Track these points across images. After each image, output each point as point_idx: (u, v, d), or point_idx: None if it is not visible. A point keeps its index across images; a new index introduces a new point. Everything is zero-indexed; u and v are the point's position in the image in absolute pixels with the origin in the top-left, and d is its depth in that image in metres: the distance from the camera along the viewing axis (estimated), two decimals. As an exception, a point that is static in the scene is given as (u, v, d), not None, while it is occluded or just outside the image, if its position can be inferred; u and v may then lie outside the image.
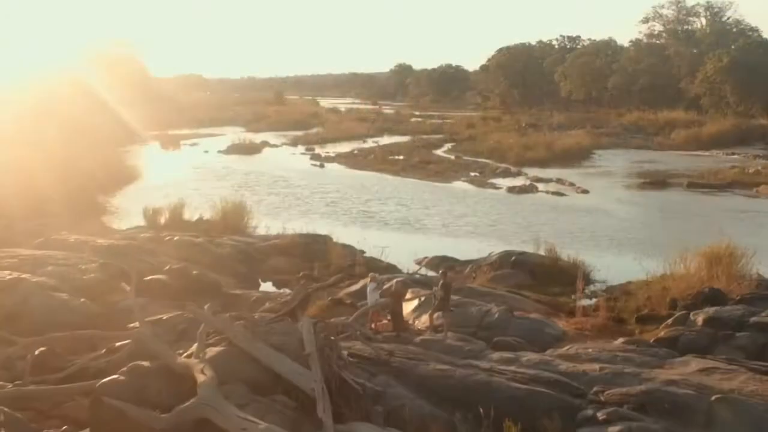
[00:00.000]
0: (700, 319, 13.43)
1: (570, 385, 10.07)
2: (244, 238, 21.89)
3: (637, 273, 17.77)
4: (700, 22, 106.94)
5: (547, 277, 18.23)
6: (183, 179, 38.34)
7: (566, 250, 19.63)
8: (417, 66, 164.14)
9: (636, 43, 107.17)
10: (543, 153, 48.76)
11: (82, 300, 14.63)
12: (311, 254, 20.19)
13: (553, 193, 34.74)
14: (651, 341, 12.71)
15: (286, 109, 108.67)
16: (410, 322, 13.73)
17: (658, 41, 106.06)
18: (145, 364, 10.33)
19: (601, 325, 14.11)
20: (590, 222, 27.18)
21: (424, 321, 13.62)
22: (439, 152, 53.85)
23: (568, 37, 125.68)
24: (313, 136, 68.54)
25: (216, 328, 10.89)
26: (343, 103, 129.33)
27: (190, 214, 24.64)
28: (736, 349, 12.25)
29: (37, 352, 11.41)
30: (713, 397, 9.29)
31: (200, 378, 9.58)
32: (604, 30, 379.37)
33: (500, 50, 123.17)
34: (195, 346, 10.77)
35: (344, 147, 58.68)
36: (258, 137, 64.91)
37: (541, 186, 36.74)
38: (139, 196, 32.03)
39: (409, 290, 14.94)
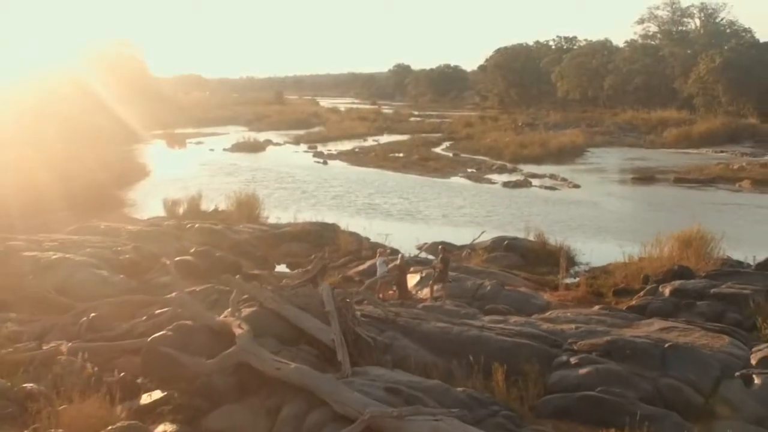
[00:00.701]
0: (667, 291, 15.27)
1: (548, 338, 11.91)
2: (258, 226, 23.76)
3: (618, 256, 19.59)
4: (694, 23, 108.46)
5: (535, 260, 20.08)
6: (193, 175, 40.06)
7: (555, 237, 21.42)
8: (416, 66, 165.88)
9: (631, 43, 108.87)
10: (538, 150, 50.61)
11: (121, 276, 16.46)
12: (321, 240, 21.98)
13: (546, 187, 36.59)
14: (623, 309, 14.57)
15: (287, 108, 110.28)
16: (413, 293, 15.58)
17: (653, 42, 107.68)
18: (188, 322, 12.15)
19: (581, 297, 15.96)
20: (579, 213, 29.01)
21: (425, 293, 15.47)
22: (438, 150, 55.63)
23: (565, 37, 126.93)
24: (314, 135, 70.28)
25: (248, 294, 12.71)
26: (342, 103, 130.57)
27: (206, 205, 26.50)
28: (697, 314, 14.07)
29: (90, 316, 13.24)
30: (666, 345, 11.13)
31: (238, 331, 11.38)
32: (600, 31, 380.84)
33: (498, 50, 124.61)
34: (228, 310, 12.60)
35: (345, 145, 60.43)
36: (261, 136, 66.50)
37: (535, 181, 38.59)
38: (154, 190, 33.85)
39: (412, 268, 16.79)
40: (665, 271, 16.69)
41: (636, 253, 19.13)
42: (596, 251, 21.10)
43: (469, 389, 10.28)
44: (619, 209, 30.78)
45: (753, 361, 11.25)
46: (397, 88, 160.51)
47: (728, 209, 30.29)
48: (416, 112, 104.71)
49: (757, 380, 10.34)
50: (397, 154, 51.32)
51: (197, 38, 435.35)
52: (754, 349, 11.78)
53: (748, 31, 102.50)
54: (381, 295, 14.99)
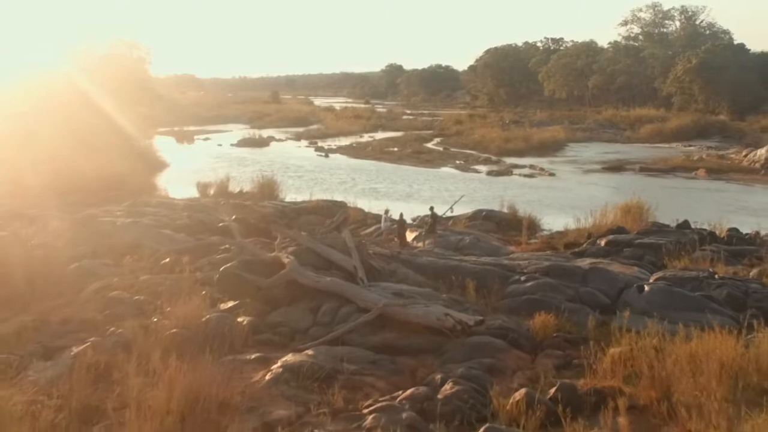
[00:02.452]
0: (603, 242, 20.00)
1: (507, 266, 16.60)
2: (279, 203, 28.41)
3: (574, 224, 24.32)
4: (674, 25, 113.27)
5: (507, 226, 24.80)
6: (209, 166, 44.56)
7: (524, 210, 26.12)
8: (408, 66, 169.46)
9: (614, 44, 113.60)
10: (521, 145, 55.45)
11: (181, 234, 21.03)
12: (333, 213, 26.53)
13: (525, 175, 41.42)
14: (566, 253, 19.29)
15: (284, 107, 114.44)
16: (410, 243, 20.27)
17: (635, 43, 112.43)
18: (248, 257, 16.77)
19: (538, 249, 20.64)
20: (550, 195, 33.81)
21: (419, 245, 20.13)
22: (430, 145, 60.36)
23: (552, 38, 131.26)
24: (314, 132, 74.79)
25: (291, 238, 17.35)
26: (336, 102, 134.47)
27: (232, 187, 31.12)
28: (622, 257, 18.74)
29: (172, 257, 17.83)
30: (587, 267, 15.84)
31: (286, 261, 16.01)
32: (587, 31, 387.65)
33: (488, 51, 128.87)
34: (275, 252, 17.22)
35: (343, 141, 65.07)
36: (263, 133, 70.97)
37: (516, 171, 43.39)
38: (178, 178, 38.38)
39: (409, 228, 21.49)
40: (606, 230, 21.40)
41: (588, 220, 23.85)
42: (558, 221, 25.85)
43: (449, 295, 14.95)
44: (585, 192, 35.55)
45: (651, 281, 15.94)
46: (389, 87, 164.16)
47: (679, 192, 35.13)
48: (409, 111, 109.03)
49: (647, 288, 15.02)
50: (392, 149, 56.02)
51: (191, 38, 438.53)
52: (654, 275, 16.48)
53: (726, 32, 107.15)
54: (385, 245, 19.64)
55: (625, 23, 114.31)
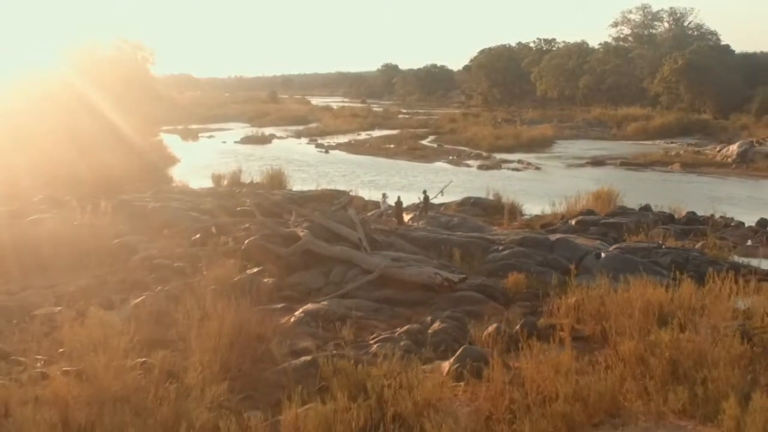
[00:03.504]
0: (573, 222, 23.03)
1: (488, 239, 19.61)
2: (288, 191, 31.37)
3: (550, 209, 27.32)
4: (663, 27, 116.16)
5: (493, 211, 27.80)
6: (217, 161, 47.47)
7: (508, 198, 29.12)
8: (403, 66, 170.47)
9: (605, 45, 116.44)
10: (511, 142, 58.51)
11: (206, 216, 23.99)
12: (337, 200, 29.54)
13: (513, 169, 44.48)
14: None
15: (283, 107, 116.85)
16: (406, 222, 23.28)
17: (625, 44, 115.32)
18: (268, 232, 19.73)
19: (517, 227, 23.65)
20: (533, 186, 36.86)
21: (414, 224, 23.12)
22: (424, 142, 63.32)
23: (545, 39, 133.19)
24: (313, 130, 77.43)
25: (304, 216, 20.32)
26: (332, 102, 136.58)
27: (244, 178, 34.10)
28: (588, 234, 21.78)
29: (201, 234, 20.80)
30: (552, 238, 18.84)
31: (301, 234, 18.98)
32: (579, 32, 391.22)
33: (482, 51, 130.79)
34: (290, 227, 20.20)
35: (342, 139, 67.93)
36: (264, 131, 73.73)
37: (504, 165, 46.46)
38: (190, 171, 41.28)
39: (405, 211, 24.51)
40: (577, 212, 24.44)
41: (563, 205, 26.87)
42: (538, 207, 28.83)
43: (439, 261, 17.95)
44: (566, 183, 38.48)
45: (608, 250, 18.96)
46: (385, 87, 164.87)
47: (655, 183, 38.25)
48: (404, 110, 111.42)
49: (603, 255, 18.04)
50: (388, 145, 59.00)
51: (186, 37, 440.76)
52: (612, 246, 19.49)
53: (714, 34, 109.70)
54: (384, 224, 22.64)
55: (615, 24, 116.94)
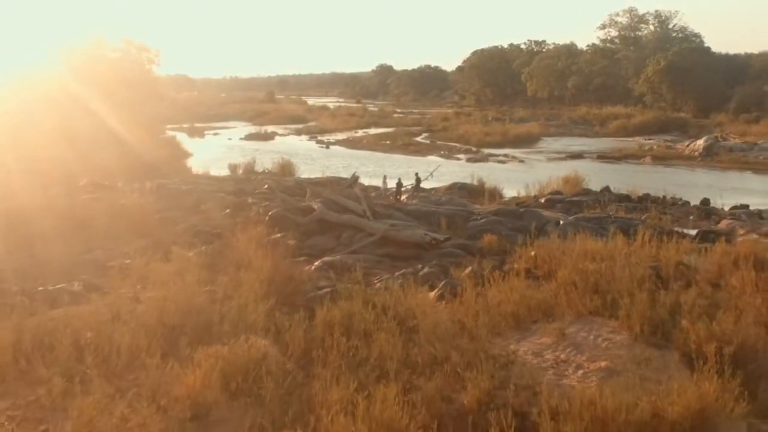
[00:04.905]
0: (543, 200, 27.25)
1: (470, 211, 23.82)
2: (297, 178, 35.53)
3: (525, 192, 31.53)
4: (649, 29, 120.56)
5: (477, 194, 31.98)
6: (227, 155, 51.53)
7: (490, 183, 33.33)
8: (398, 66, 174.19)
9: (593, 47, 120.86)
10: (499, 138, 62.79)
11: (231, 197, 28.11)
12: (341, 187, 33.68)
13: (499, 161, 48.75)
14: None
15: (281, 106, 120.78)
16: (402, 200, 27.50)
17: (612, 46, 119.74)
18: (288, 205, 23.89)
19: (496, 205, 27.84)
20: (514, 175, 41.10)
21: (408, 202, 27.33)
22: (418, 139, 67.53)
23: (535, 41, 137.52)
24: (312, 128, 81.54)
25: (317, 193, 24.49)
26: (328, 102, 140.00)
27: (257, 168, 38.27)
28: (555, 210, 25.98)
29: (231, 208, 24.92)
30: (522, 210, 23.05)
31: (315, 207, 23.14)
32: (569, 33, 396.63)
33: (474, 52, 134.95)
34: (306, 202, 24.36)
35: (340, 136, 72.04)
36: (266, 129, 77.80)
37: (491, 158, 50.72)
38: (204, 163, 45.31)
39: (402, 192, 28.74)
40: (547, 193, 28.66)
41: (536, 187, 31.11)
42: (516, 191, 33.06)
43: (429, 227, 22.15)
44: (545, 173, 42.70)
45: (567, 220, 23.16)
46: (380, 87, 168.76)
47: (626, 173, 42.50)
48: (399, 110, 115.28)
49: (561, 223, 22.25)
50: (385, 142, 63.19)
51: (182, 38, 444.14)
52: (573, 216, 23.70)
53: (697, 36, 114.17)
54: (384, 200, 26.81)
55: (603, 27, 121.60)
